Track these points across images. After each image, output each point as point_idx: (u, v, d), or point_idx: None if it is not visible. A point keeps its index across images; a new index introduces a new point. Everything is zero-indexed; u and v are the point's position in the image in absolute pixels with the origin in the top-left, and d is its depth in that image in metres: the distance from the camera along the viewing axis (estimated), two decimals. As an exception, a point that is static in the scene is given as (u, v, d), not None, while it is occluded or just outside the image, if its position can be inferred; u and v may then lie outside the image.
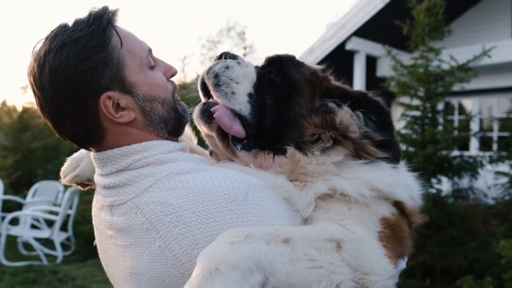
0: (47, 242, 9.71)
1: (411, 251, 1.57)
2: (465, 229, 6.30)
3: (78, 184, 1.85)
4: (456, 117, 13.68)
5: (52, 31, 1.47)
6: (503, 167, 7.15)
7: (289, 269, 1.16)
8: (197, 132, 1.92)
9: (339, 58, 13.88)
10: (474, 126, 11.87)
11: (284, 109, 1.55)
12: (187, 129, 1.84)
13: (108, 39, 1.45)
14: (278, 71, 1.62)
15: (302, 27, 68.85)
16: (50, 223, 10.10)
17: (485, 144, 12.89)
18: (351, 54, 13.98)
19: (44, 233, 9.52)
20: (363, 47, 13.98)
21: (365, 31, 13.79)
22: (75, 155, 1.86)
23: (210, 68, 1.59)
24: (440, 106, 8.31)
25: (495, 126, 13.33)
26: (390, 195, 1.45)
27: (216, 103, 1.56)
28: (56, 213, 9.68)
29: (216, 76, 1.56)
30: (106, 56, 1.43)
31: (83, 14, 1.49)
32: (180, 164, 1.47)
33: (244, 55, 12.80)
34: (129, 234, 1.41)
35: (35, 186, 11.30)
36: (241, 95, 1.54)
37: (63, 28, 1.46)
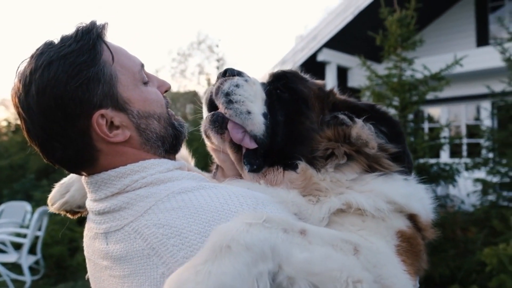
0: (14, 267, 9.24)
1: (426, 267, 1.51)
2: (445, 237, 6.32)
3: (67, 212, 1.72)
4: (426, 125, 13.94)
5: (37, 49, 1.38)
6: (479, 173, 7.27)
7: (307, 256, 1.08)
8: (193, 154, 1.88)
9: (311, 69, 13.86)
10: (444, 133, 12.12)
11: (296, 124, 1.52)
12: (183, 150, 1.77)
13: (99, 54, 1.37)
14: (286, 87, 1.58)
15: (271, 40, 69.57)
16: (17, 246, 9.61)
17: (455, 151, 13.15)
18: (322, 65, 14.15)
19: (11, 257, 9.03)
20: (334, 58, 14.18)
21: (336, 42, 14.00)
22: (64, 180, 1.74)
23: (219, 87, 1.52)
24: (411, 115, 8.42)
25: (464, 133, 13.66)
26: (406, 207, 1.40)
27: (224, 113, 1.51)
28: (24, 236, 9.24)
29: (228, 94, 1.49)
30: (97, 71, 1.35)
31: (69, 30, 1.41)
32: (180, 182, 1.37)
33: (217, 67, 12.73)
34: (128, 262, 1.29)
35: (1, 207, 10.82)
36: (257, 115, 1.49)
37: (49, 45, 1.37)
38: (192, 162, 1.85)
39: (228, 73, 1.57)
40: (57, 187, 1.74)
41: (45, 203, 1.82)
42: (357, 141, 1.43)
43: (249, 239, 1.03)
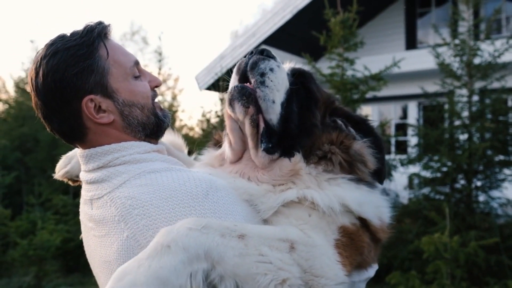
0: None
1: (377, 261, 1.69)
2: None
3: (68, 180, 2.01)
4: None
5: (51, 39, 1.66)
6: (412, 169, 7.78)
7: (237, 261, 1.27)
8: (187, 142, 2.02)
9: (250, 66, 14.10)
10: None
11: (305, 119, 1.65)
12: (179, 139, 2.05)
13: (96, 50, 1.63)
14: (303, 85, 1.71)
15: (205, 33, 69.09)
16: None
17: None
18: (261, 62, 14.26)
19: None
20: (272, 56, 14.33)
21: (275, 40, 14.21)
22: (69, 153, 2.02)
23: (256, 62, 1.60)
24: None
25: (393, 131, 14.48)
26: (356, 212, 1.54)
27: (253, 89, 1.59)
28: None
29: (263, 75, 1.59)
30: (92, 64, 1.61)
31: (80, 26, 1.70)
32: (153, 164, 1.62)
33: (159, 60, 12.50)
34: (104, 225, 1.56)
35: None
36: (277, 105, 1.60)
37: (61, 37, 1.65)
38: (186, 150, 2.03)
39: (265, 54, 1.64)
40: (63, 158, 2.01)
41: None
42: (355, 156, 1.60)
43: (186, 241, 1.24)
